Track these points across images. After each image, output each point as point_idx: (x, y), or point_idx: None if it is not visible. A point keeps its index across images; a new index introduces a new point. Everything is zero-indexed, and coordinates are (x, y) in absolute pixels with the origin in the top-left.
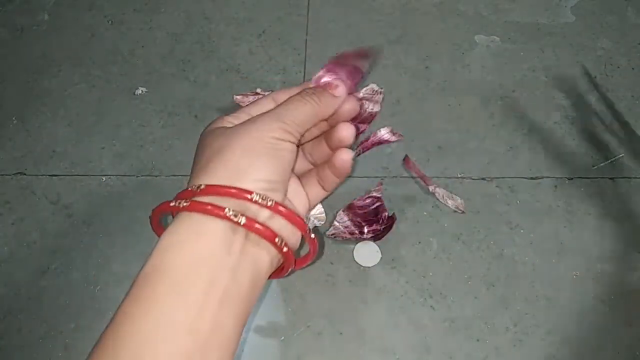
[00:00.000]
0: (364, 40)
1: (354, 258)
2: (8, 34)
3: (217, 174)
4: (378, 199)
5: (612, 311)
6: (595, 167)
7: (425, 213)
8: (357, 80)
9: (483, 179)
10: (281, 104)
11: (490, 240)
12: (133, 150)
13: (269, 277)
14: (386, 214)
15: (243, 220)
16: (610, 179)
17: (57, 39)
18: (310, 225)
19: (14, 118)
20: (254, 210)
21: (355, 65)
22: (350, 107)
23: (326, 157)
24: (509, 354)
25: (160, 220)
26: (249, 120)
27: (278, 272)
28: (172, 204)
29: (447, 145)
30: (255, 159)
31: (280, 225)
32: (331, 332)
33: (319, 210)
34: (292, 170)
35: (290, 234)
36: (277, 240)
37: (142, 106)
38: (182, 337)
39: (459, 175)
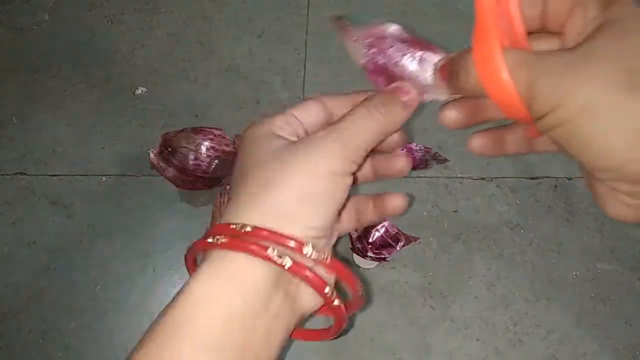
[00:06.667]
0: None
1: (354, 260)
2: (8, 34)
3: (263, 213)
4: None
5: (612, 311)
6: None
7: (425, 213)
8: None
9: (483, 179)
10: (342, 119)
11: (490, 240)
12: (133, 150)
13: (313, 340)
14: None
15: (289, 263)
16: None
17: (57, 39)
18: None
19: (14, 118)
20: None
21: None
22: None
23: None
24: (509, 354)
25: (197, 259)
26: (306, 142)
27: (325, 332)
28: (209, 241)
29: (447, 145)
30: (311, 205)
31: (323, 272)
32: None
33: None
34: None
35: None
36: (327, 291)
37: (142, 106)
38: None
39: (459, 175)
